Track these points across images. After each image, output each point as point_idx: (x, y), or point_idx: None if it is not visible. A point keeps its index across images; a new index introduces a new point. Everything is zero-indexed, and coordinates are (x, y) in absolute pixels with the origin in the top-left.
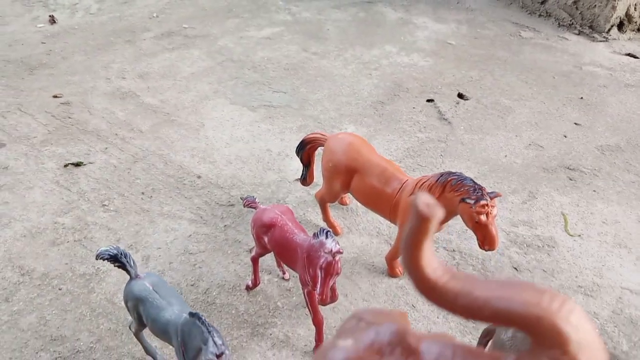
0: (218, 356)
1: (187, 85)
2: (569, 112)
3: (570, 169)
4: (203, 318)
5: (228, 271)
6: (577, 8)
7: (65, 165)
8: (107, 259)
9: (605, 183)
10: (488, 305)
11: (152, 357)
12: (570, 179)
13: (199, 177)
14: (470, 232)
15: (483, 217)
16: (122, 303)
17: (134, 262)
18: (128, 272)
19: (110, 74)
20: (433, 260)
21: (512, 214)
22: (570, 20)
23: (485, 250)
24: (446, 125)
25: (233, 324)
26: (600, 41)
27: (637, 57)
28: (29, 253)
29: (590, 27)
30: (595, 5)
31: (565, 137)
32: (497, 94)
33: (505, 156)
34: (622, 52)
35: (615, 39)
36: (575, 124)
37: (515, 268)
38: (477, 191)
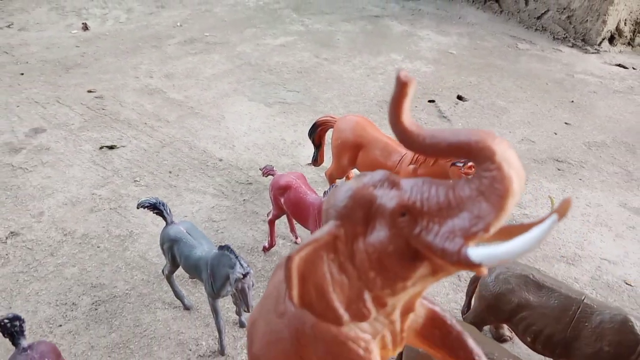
0: (244, 275)
1: (209, 84)
2: (560, 113)
3: (558, 161)
4: (231, 247)
5: (247, 236)
6: (570, 22)
7: (101, 148)
8: (147, 206)
9: (590, 173)
10: (445, 140)
11: (180, 300)
12: (559, 169)
13: (220, 160)
14: None
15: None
16: (153, 259)
17: (169, 211)
18: (165, 218)
19: (139, 74)
20: (409, 118)
21: None
22: (564, 34)
23: None
24: (445, 122)
25: None
26: (592, 53)
27: (627, 68)
28: (70, 218)
29: (583, 40)
30: (587, 20)
31: (556, 134)
32: (493, 97)
33: None
34: (612, 63)
35: (606, 51)
36: (566, 123)
37: None
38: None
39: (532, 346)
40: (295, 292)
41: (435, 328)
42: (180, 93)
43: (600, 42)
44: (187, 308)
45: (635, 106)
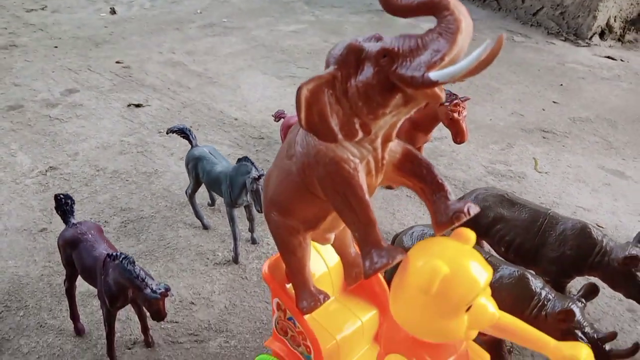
0: (259, 177)
1: (226, 60)
2: (549, 94)
3: (544, 131)
4: (248, 157)
5: None
6: (563, 18)
7: (128, 105)
8: (175, 131)
9: (573, 142)
10: (415, 0)
11: (200, 220)
12: (544, 137)
13: (235, 119)
14: (454, 164)
15: (456, 115)
16: (176, 191)
17: (194, 136)
18: (190, 141)
19: (162, 50)
20: None
21: (492, 156)
22: (558, 29)
23: (457, 143)
24: None
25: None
26: (583, 46)
27: (615, 60)
28: (102, 158)
29: (575, 34)
30: (579, 16)
31: (544, 110)
32: (487, 79)
33: (490, 119)
34: (602, 55)
35: (597, 45)
36: (554, 102)
37: None
38: (452, 96)
39: (505, 255)
40: (303, 116)
41: (408, 161)
42: (200, 66)
43: (591, 37)
44: (205, 228)
45: (621, 91)
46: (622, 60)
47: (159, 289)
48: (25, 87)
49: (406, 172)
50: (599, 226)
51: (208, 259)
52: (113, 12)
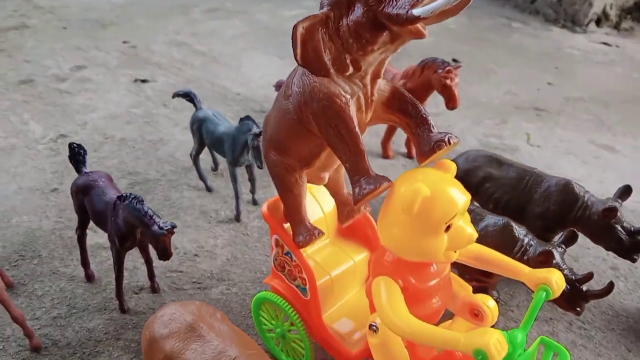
0: (259, 133)
1: (229, 41)
2: (544, 76)
3: (538, 109)
4: (250, 116)
5: None
6: (560, 5)
7: (135, 81)
8: (181, 95)
9: (565, 119)
10: None
11: (204, 182)
12: (537, 115)
13: (238, 94)
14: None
15: (448, 81)
16: (180, 157)
17: (199, 99)
18: (195, 104)
19: (168, 32)
20: None
21: (486, 130)
22: (555, 16)
23: (450, 109)
24: None
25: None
26: (580, 33)
27: (610, 45)
28: (110, 127)
29: (572, 21)
30: (576, 3)
31: (538, 90)
32: (484, 61)
33: (485, 98)
34: (597, 41)
35: (593, 32)
36: (548, 83)
37: None
38: (444, 63)
39: (494, 212)
40: (299, 52)
41: (395, 98)
42: (204, 46)
43: (588, 24)
44: (209, 190)
45: (614, 74)
46: (617, 46)
47: (166, 226)
48: (35, 63)
49: (394, 108)
50: None
51: (211, 217)
52: None
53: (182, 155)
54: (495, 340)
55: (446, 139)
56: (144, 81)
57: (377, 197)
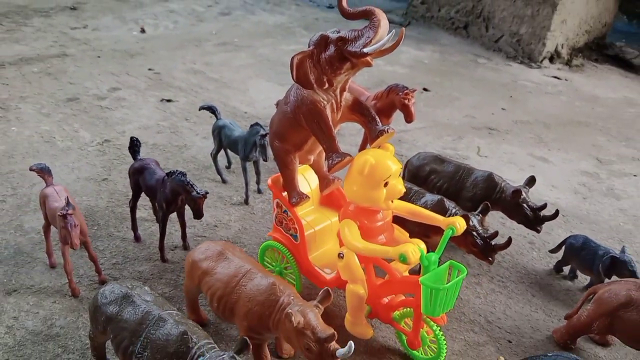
0: (265, 134)
1: (237, 70)
2: (500, 102)
3: (490, 129)
4: (259, 123)
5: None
6: (519, 44)
7: (161, 100)
8: (206, 108)
9: (512, 137)
10: (359, 9)
11: (220, 176)
12: (489, 133)
13: (245, 112)
14: (413, 148)
15: (406, 101)
16: (201, 159)
17: (219, 111)
18: (216, 115)
19: (185, 61)
20: (345, 4)
21: (445, 144)
22: (515, 53)
23: (408, 122)
24: None
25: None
26: (535, 68)
27: (560, 79)
28: (143, 135)
29: (529, 58)
30: (532, 43)
31: (493, 114)
32: (451, 90)
33: (447, 119)
34: (549, 75)
35: (546, 67)
36: (502, 109)
37: None
38: (404, 88)
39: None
40: (294, 74)
41: (356, 104)
42: (216, 74)
43: (542, 60)
44: (224, 181)
45: (560, 103)
46: (566, 79)
47: (201, 192)
48: (78, 85)
49: (355, 111)
50: None
51: (226, 201)
52: (143, 31)
53: (202, 157)
54: (412, 249)
55: (385, 129)
56: (169, 100)
57: (342, 168)
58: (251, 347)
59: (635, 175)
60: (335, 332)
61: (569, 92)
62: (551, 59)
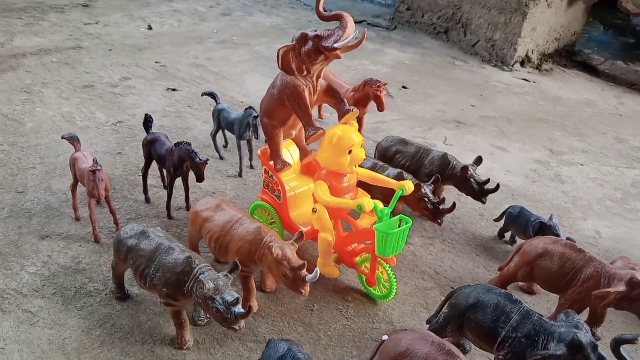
0: (257, 116)
1: (235, 65)
2: (470, 100)
3: (458, 122)
4: (252, 107)
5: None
6: (493, 49)
7: (167, 89)
8: (208, 94)
9: (477, 129)
10: (333, 14)
11: (218, 153)
12: (457, 126)
13: (242, 102)
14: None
15: (379, 93)
16: (202, 140)
17: (219, 97)
18: (216, 101)
19: (189, 56)
20: (321, 7)
21: (416, 134)
22: (489, 57)
23: (380, 111)
24: (390, 98)
25: None
26: (507, 71)
27: (529, 82)
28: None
29: (502, 62)
30: (505, 48)
31: (462, 110)
32: (427, 89)
33: (421, 113)
34: (519, 78)
35: (518, 71)
36: (472, 105)
37: None
38: (377, 82)
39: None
40: (280, 63)
41: (329, 89)
42: (216, 68)
43: (514, 64)
44: (221, 158)
45: (525, 102)
46: (534, 82)
47: (203, 159)
48: (93, 74)
49: (328, 95)
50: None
51: (223, 174)
52: (150, 28)
53: (203, 138)
54: (367, 201)
55: (351, 109)
56: (174, 90)
57: (317, 139)
58: (241, 279)
59: (582, 165)
60: (306, 262)
61: (535, 92)
62: (522, 64)
